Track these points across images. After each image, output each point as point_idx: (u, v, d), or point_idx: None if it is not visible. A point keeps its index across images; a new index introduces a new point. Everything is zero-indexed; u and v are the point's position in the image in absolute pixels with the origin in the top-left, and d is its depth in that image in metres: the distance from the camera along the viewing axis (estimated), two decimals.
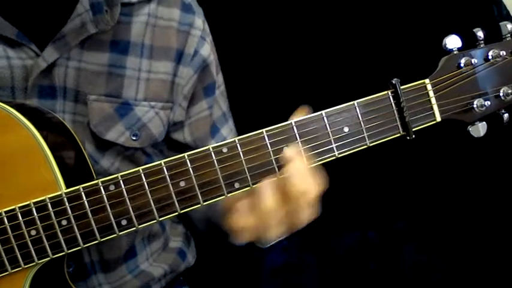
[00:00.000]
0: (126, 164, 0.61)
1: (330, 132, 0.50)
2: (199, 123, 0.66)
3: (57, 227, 0.49)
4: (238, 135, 0.50)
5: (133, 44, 0.59)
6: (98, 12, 0.57)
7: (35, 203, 0.49)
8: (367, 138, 0.50)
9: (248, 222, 0.47)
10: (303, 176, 0.46)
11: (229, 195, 0.49)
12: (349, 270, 0.92)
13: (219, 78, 0.68)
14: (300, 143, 0.49)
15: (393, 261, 0.93)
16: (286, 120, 0.49)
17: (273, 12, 0.88)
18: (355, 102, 0.50)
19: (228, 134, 0.69)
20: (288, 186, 0.46)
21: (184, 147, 0.66)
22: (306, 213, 0.47)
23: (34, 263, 0.50)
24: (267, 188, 0.47)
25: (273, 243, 0.51)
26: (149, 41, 0.60)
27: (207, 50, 0.64)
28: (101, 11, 0.57)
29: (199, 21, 0.63)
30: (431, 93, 0.51)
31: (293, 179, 0.46)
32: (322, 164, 0.50)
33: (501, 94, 0.53)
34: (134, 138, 0.59)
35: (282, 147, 0.49)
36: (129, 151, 0.61)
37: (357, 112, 0.50)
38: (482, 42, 0.53)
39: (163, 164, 0.49)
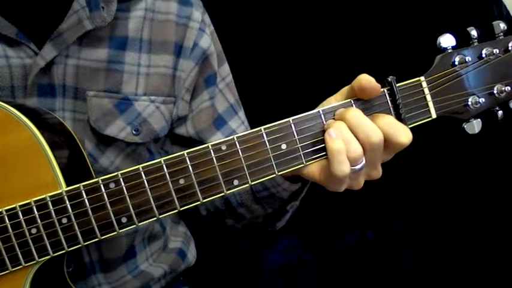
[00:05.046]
0: (127, 162, 0.61)
1: None
2: (201, 114, 0.65)
3: (57, 225, 0.49)
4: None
5: (131, 39, 0.60)
6: (94, 8, 0.57)
7: (35, 202, 0.49)
8: None
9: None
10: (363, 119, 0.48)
11: (228, 192, 0.50)
12: (349, 270, 0.92)
13: (224, 70, 0.68)
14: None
15: (393, 261, 0.93)
16: (284, 118, 0.50)
17: (270, 11, 0.89)
18: (352, 99, 0.51)
19: (238, 126, 0.68)
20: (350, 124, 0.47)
21: (188, 141, 0.66)
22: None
23: (34, 261, 0.50)
24: (330, 135, 0.47)
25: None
26: (147, 35, 0.61)
27: (207, 42, 0.64)
28: (98, 7, 0.57)
29: (197, 13, 0.64)
30: (426, 91, 0.52)
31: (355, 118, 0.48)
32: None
33: (495, 91, 0.53)
34: (135, 133, 0.59)
35: (280, 145, 0.50)
36: (130, 147, 0.61)
37: None
38: (475, 40, 0.54)
39: (162, 161, 0.49)
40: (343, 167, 0.47)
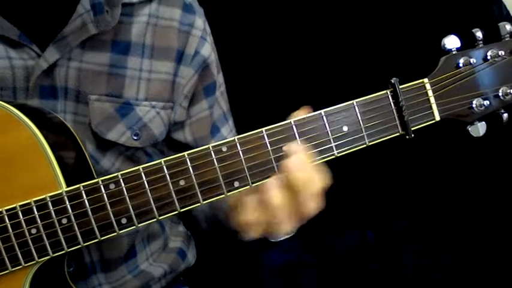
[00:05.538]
0: (127, 164, 0.61)
1: (329, 132, 0.50)
2: (200, 123, 0.66)
3: (57, 225, 0.49)
4: (238, 134, 0.50)
5: (134, 44, 0.60)
6: (98, 12, 0.57)
7: (35, 202, 0.49)
8: (366, 138, 0.51)
9: (256, 218, 0.48)
10: (304, 167, 0.47)
11: (229, 194, 0.49)
12: (349, 269, 0.92)
13: (220, 78, 0.69)
14: (299, 141, 0.49)
15: (393, 261, 0.93)
16: (286, 120, 0.50)
17: (272, 12, 0.89)
18: (354, 101, 0.50)
19: (228, 133, 0.69)
20: (292, 179, 0.46)
21: (184, 147, 0.66)
22: (312, 205, 0.47)
23: (34, 262, 0.50)
24: (272, 185, 0.47)
25: (283, 238, 0.51)
26: (150, 41, 0.61)
27: (208, 50, 0.64)
28: (102, 11, 0.57)
29: (200, 21, 0.64)
30: (430, 93, 0.52)
31: (296, 172, 0.46)
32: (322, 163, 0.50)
33: (500, 94, 0.53)
34: (135, 138, 0.60)
35: (281, 146, 0.49)
36: (129, 151, 0.61)
37: (356, 111, 0.50)
38: (481, 42, 0.53)
39: (163, 162, 0.49)
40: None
